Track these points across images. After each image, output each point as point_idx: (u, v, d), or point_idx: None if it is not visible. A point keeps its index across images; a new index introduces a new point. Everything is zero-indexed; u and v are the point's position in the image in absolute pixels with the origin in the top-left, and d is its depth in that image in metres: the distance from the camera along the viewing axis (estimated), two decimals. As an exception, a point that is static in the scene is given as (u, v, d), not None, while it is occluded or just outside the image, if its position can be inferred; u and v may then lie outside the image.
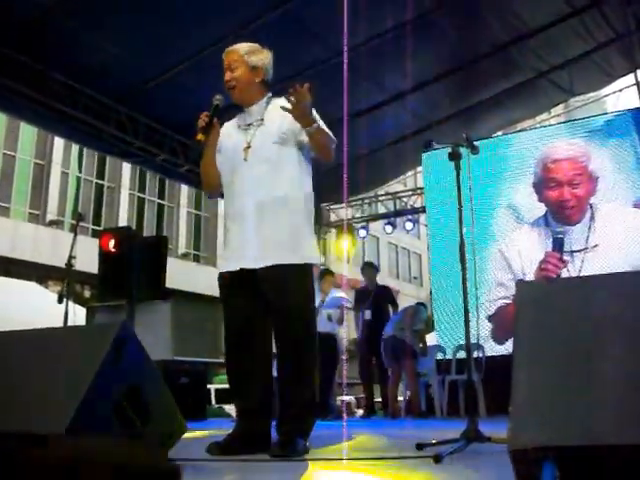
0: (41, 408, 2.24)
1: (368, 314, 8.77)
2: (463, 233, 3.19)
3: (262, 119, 3.27)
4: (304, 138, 3.17)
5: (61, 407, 2.15)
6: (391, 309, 9.08)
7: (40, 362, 2.44)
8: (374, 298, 8.94)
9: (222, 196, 3.40)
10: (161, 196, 24.64)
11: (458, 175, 3.26)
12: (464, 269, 3.10)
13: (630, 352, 1.44)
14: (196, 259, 25.04)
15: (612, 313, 1.52)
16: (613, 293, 1.57)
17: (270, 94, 3.37)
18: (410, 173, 14.58)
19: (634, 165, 8.73)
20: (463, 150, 3.42)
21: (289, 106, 3.01)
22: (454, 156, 3.28)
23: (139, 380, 2.34)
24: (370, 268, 9.46)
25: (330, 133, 3.18)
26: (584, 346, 1.47)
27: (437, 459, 2.47)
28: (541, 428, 1.37)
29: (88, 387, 2.16)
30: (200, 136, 3.15)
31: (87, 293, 19.02)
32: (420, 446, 2.93)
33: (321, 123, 3.12)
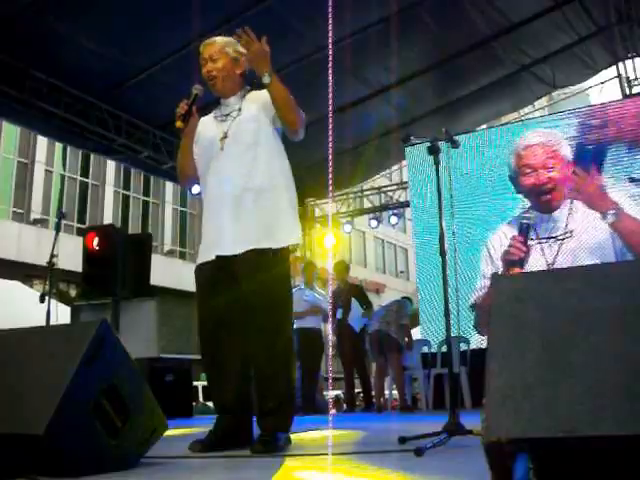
0: (21, 409, 2.23)
1: (339, 313, 8.70)
2: (443, 226, 3.20)
3: (239, 109, 3.27)
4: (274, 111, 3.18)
5: (40, 408, 2.14)
6: (359, 306, 8.95)
7: (19, 362, 2.43)
8: (346, 296, 8.86)
9: (200, 192, 3.41)
10: (146, 193, 24.55)
11: (437, 169, 3.27)
12: (444, 262, 3.11)
13: (603, 344, 1.45)
14: (182, 256, 24.96)
15: (586, 305, 1.53)
16: (586, 285, 1.58)
17: (248, 87, 3.38)
18: (395, 167, 14.59)
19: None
20: (443, 144, 3.43)
21: (265, 93, 3.11)
22: (433, 150, 3.29)
23: (118, 378, 2.34)
24: (342, 267, 9.32)
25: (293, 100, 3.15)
26: (557, 338, 1.48)
27: (418, 453, 2.49)
28: (515, 420, 1.38)
29: (67, 387, 2.15)
30: (179, 123, 3.14)
31: (72, 292, 18.91)
32: (402, 440, 2.95)
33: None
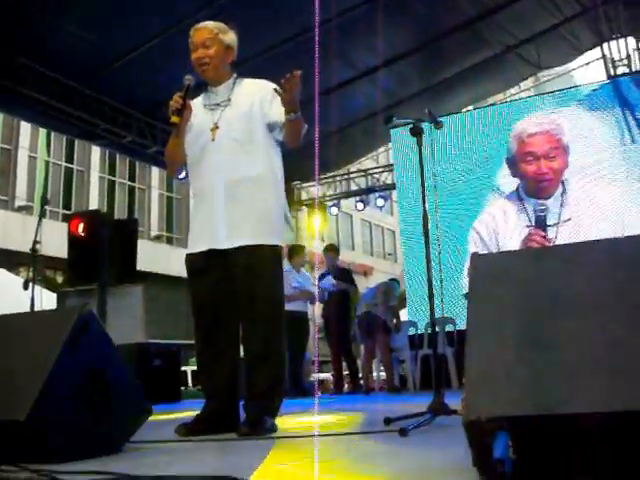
0: (3, 395, 2.22)
1: (326, 295, 8.69)
2: (426, 207, 3.21)
3: (229, 99, 3.25)
4: (275, 120, 3.16)
5: (22, 394, 2.13)
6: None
7: (2, 348, 2.41)
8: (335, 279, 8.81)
9: (186, 176, 3.38)
10: (132, 178, 24.39)
11: (420, 150, 3.27)
12: (427, 242, 3.11)
13: (582, 323, 1.45)
14: (169, 241, 24.88)
15: (565, 284, 1.54)
16: (566, 264, 1.58)
17: (236, 75, 3.35)
18: (382, 149, 14.57)
19: (616, 137, 8.77)
20: (426, 125, 3.42)
21: (273, 88, 3.05)
22: (416, 132, 3.29)
23: (101, 363, 2.33)
24: (332, 251, 9.24)
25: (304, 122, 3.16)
26: (536, 317, 1.49)
27: (403, 433, 2.51)
28: (494, 399, 1.39)
29: (49, 372, 2.15)
30: (174, 118, 3.10)
31: (59, 278, 18.83)
32: (388, 421, 2.97)
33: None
